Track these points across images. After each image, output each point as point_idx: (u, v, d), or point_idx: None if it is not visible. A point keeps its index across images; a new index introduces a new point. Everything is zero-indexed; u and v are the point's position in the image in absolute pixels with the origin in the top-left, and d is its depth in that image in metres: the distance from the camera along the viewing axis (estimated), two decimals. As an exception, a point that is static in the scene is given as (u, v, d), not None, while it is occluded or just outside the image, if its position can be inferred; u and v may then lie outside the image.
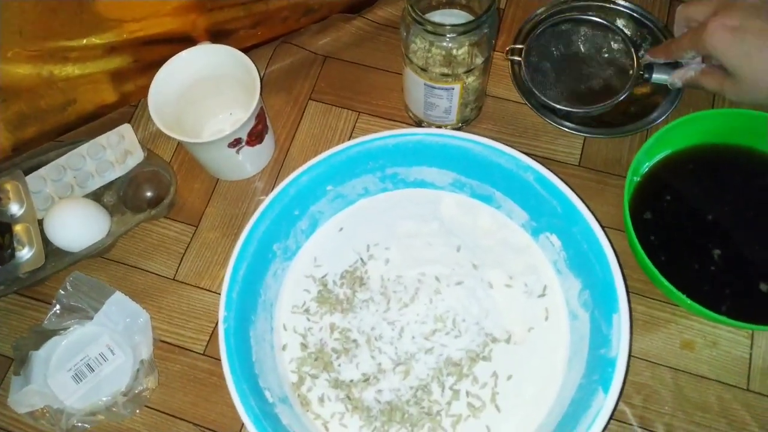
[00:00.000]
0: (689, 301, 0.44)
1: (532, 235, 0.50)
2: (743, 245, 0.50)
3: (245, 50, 0.55)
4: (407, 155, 0.50)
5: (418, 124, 0.59)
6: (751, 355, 0.49)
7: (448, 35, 0.48)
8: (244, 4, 0.60)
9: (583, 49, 0.61)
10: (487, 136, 0.48)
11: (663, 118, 0.57)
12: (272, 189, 0.48)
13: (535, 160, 0.47)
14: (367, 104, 0.61)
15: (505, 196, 0.50)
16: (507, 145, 0.48)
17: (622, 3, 0.62)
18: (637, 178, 0.52)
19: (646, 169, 0.52)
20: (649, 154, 0.51)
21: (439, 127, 0.58)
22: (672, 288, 0.45)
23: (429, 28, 0.48)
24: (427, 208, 0.52)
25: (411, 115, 0.59)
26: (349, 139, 0.59)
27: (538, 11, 0.62)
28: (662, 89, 0.58)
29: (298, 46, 0.64)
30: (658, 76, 0.56)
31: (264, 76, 0.63)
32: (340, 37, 0.64)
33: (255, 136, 0.54)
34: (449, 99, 0.54)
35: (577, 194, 0.46)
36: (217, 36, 0.61)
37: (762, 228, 0.51)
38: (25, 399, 0.48)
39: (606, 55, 0.60)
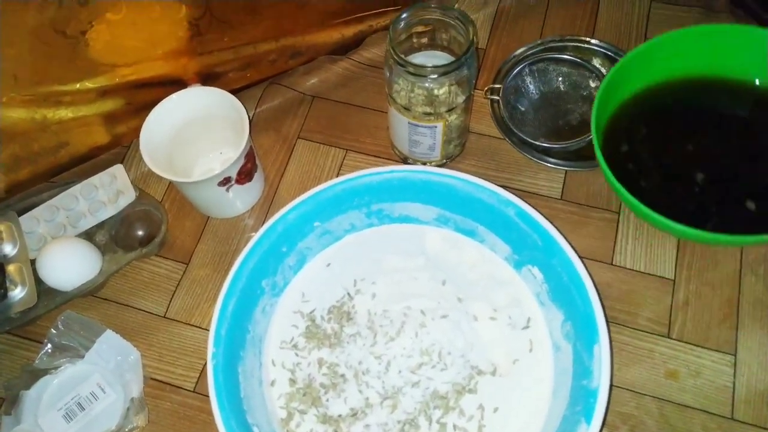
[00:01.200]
0: (669, 222, 0.43)
1: (515, 268, 0.51)
2: (727, 167, 0.49)
3: (235, 92, 0.57)
4: (392, 191, 0.51)
5: (404, 160, 0.61)
6: (734, 384, 0.49)
7: (429, 76, 0.50)
8: (234, 48, 0.62)
9: (561, 87, 0.63)
10: (470, 172, 0.49)
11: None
12: (262, 226, 0.49)
13: (518, 194, 0.49)
14: (355, 142, 0.63)
15: (487, 230, 0.51)
16: (489, 180, 0.50)
17: (597, 42, 0.64)
18: (608, 113, 0.51)
19: (619, 103, 0.52)
20: (618, 86, 0.50)
21: (424, 163, 0.60)
22: (645, 209, 0.44)
23: (411, 69, 0.50)
24: (412, 243, 0.53)
25: (397, 152, 0.61)
26: (336, 177, 0.61)
27: (516, 52, 0.65)
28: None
29: (286, 87, 0.66)
30: None
31: (254, 116, 0.65)
32: (327, 78, 0.67)
33: (244, 175, 0.55)
34: (432, 136, 0.56)
35: (556, 227, 0.47)
36: (208, 78, 0.63)
37: (746, 148, 0.50)
38: (15, 439, 0.48)
39: (583, 93, 0.62)
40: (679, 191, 0.48)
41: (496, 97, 0.62)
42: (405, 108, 0.53)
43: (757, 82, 0.52)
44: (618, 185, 0.46)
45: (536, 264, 0.49)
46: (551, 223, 0.47)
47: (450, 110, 0.53)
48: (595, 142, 0.48)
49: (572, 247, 0.46)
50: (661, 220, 0.44)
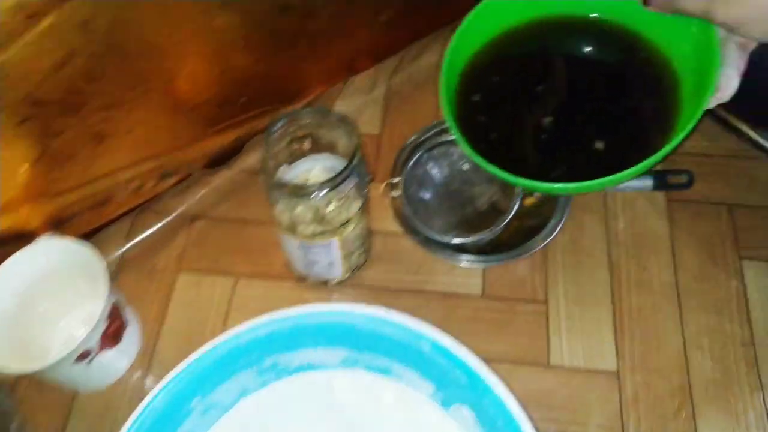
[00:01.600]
0: (514, 178, 0.40)
1: (442, 406, 0.44)
2: (576, 110, 0.46)
3: (96, 231, 0.48)
4: (284, 341, 0.43)
5: (304, 280, 0.53)
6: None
7: (312, 195, 0.43)
8: (86, 184, 0.53)
9: (464, 168, 0.57)
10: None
11: (561, 224, 0.54)
12: (144, 385, 0.40)
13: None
14: (246, 264, 0.55)
15: (404, 367, 0.44)
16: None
17: (494, 116, 0.60)
18: (459, 68, 0.47)
19: (472, 53, 0.48)
20: (465, 42, 0.47)
21: (326, 281, 0.53)
22: (487, 164, 0.41)
23: (287, 191, 0.44)
24: (319, 397, 0.44)
25: (294, 272, 0.54)
26: (227, 312, 0.53)
27: (411, 139, 0.59)
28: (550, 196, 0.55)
29: (158, 213, 0.57)
30: None
31: (122, 255, 0.56)
32: (207, 194, 0.59)
33: (110, 338, 0.47)
34: (328, 254, 0.49)
35: (486, 363, 0.40)
36: (61, 223, 0.53)
37: (592, 85, 0.47)
38: None
39: (487, 173, 0.57)
40: (526, 140, 0.46)
41: (397, 192, 0.56)
42: (290, 229, 0.46)
43: (596, 15, 0.49)
44: (464, 143, 0.43)
45: (465, 402, 0.42)
46: (476, 356, 0.40)
47: (344, 224, 0.47)
48: (444, 100, 0.44)
49: (505, 385, 0.39)
50: (503, 175, 0.41)
